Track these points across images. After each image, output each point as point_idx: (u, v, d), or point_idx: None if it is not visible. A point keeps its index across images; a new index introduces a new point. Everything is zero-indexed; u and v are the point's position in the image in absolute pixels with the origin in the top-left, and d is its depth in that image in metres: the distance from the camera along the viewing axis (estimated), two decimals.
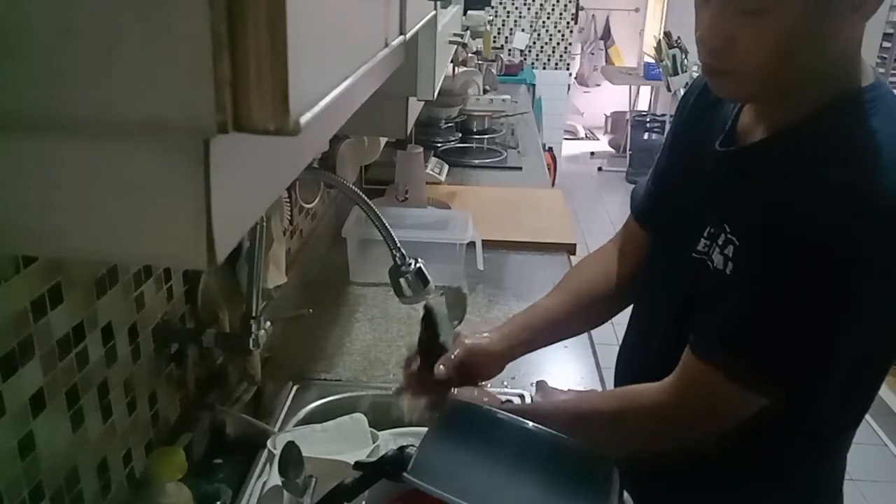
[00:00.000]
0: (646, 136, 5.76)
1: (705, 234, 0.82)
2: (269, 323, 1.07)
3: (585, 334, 1.47)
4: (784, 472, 0.85)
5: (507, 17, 4.92)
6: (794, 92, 0.75)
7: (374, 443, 1.06)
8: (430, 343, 0.98)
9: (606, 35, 6.99)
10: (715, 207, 0.82)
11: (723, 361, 0.77)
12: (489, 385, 1.33)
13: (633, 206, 1.06)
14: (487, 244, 1.77)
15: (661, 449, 0.86)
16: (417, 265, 1.09)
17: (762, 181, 0.77)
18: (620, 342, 1.06)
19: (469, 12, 2.74)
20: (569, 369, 1.38)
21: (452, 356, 0.96)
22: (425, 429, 0.84)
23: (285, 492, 0.87)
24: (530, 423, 0.84)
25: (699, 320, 0.81)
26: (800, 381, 0.76)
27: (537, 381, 1.31)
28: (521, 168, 2.70)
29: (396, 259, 1.09)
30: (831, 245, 0.69)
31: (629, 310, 1.04)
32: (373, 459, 0.82)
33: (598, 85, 7.01)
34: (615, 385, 1.06)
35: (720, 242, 0.80)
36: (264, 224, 1.10)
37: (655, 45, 5.17)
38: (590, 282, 1.05)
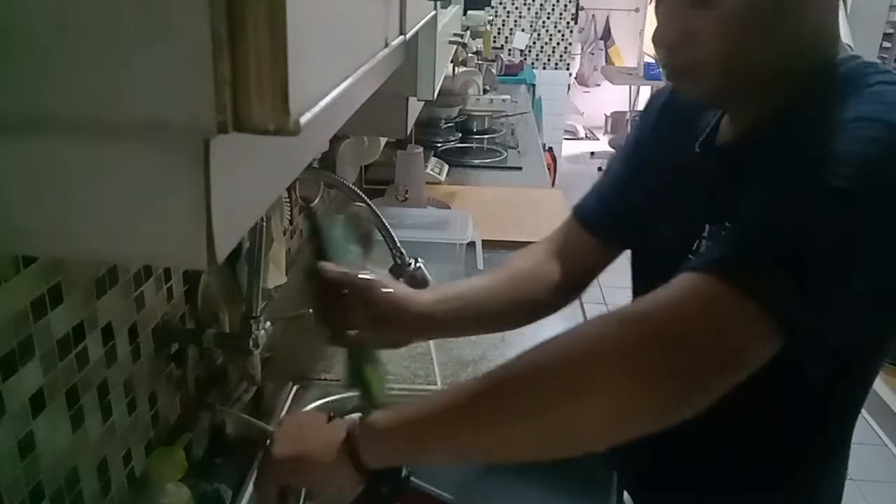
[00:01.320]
0: None
1: (705, 234, 0.80)
2: (269, 323, 1.07)
3: None
4: (784, 476, 0.85)
5: (507, 17, 4.92)
6: (771, 80, 0.72)
7: None
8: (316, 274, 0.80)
9: (606, 35, 6.99)
10: (712, 207, 0.80)
11: (735, 271, 0.58)
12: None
13: (583, 214, 1.00)
14: (487, 244, 1.77)
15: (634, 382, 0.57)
16: (417, 265, 1.09)
17: (761, 174, 0.72)
18: None
19: (469, 12, 2.74)
20: None
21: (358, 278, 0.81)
22: None
23: None
24: None
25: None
26: (815, 316, 0.59)
27: None
28: (521, 168, 2.70)
29: (396, 259, 1.09)
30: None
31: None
32: None
33: (598, 85, 7.01)
34: None
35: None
36: (264, 224, 1.10)
37: None
38: (525, 280, 0.96)
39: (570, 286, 1.00)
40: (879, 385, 2.77)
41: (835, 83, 0.70)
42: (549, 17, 4.96)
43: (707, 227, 0.80)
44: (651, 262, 0.91)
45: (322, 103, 0.36)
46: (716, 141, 0.82)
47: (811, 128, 0.67)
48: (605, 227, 0.99)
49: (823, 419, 0.82)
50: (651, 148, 0.93)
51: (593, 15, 6.89)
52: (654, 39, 0.73)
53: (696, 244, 0.80)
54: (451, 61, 2.12)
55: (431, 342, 1.12)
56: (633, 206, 0.94)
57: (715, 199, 0.80)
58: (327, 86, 0.38)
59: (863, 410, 0.85)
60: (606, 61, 6.99)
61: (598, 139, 6.99)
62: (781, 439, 0.82)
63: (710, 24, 0.68)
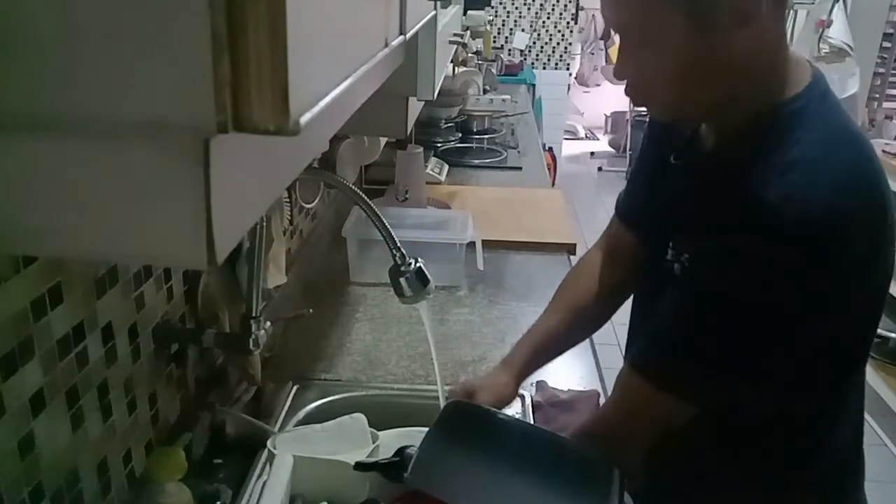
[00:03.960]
0: None
1: (671, 245, 0.82)
2: (269, 323, 1.07)
3: None
4: (772, 475, 0.86)
5: (507, 17, 4.92)
6: (723, 109, 0.76)
7: (373, 443, 1.06)
8: None
9: (606, 35, 6.98)
10: (679, 219, 0.83)
11: (651, 370, 0.78)
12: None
13: (618, 209, 1.07)
14: (487, 244, 1.77)
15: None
16: (417, 265, 1.09)
17: (710, 194, 0.78)
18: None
19: (469, 12, 2.74)
20: (569, 369, 1.38)
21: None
22: (425, 429, 0.84)
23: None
24: (530, 423, 0.84)
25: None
26: (729, 388, 0.77)
27: (537, 381, 1.31)
28: (521, 168, 2.70)
29: (396, 259, 1.09)
30: (765, 256, 0.68)
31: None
32: (373, 460, 0.82)
33: (598, 85, 7.01)
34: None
35: (680, 255, 0.81)
36: (264, 224, 1.10)
37: None
38: (584, 295, 1.07)
39: (620, 286, 1.06)
40: (880, 385, 2.77)
41: (771, 129, 0.73)
42: (549, 17, 4.96)
43: (674, 238, 0.82)
44: (641, 267, 0.97)
45: (322, 103, 0.36)
46: (695, 150, 0.85)
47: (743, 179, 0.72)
48: (630, 217, 1.03)
49: (791, 414, 0.84)
50: (649, 145, 0.98)
51: (593, 15, 6.88)
52: (613, 73, 0.78)
53: (666, 253, 0.83)
54: (451, 61, 2.13)
55: (431, 343, 1.13)
56: (639, 200, 1.00)
57: (679, 212, 0.84)
58: (327, 86, 0.38)
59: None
60: (606, 61, 6.98)
61: (598, 139, 6.98)
62: (754, 438, 0.85)
63: (656, 66, 0.72)
